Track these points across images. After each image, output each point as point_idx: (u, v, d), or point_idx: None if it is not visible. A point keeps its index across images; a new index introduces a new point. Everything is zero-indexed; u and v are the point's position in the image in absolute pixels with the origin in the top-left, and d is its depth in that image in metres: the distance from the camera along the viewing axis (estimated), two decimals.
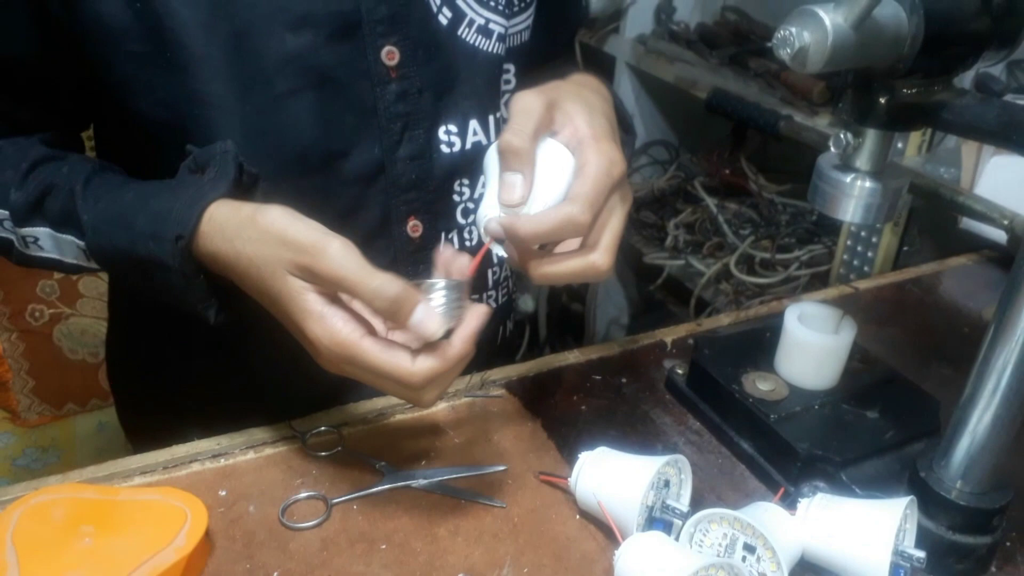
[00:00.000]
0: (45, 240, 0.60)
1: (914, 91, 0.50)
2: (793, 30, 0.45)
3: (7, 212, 0.59)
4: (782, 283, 1.41)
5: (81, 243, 0.59)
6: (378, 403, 0.65)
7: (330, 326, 0.48)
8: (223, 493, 0.57)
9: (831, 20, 0.44)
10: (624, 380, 0.70)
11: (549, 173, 0.52)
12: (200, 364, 0.72)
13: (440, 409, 0.66)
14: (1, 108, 0.61)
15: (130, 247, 0.54)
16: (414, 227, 0.66)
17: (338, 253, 0.47)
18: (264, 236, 0.50)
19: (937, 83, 0.50)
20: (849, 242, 1.20)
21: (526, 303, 1.99)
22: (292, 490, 0.57)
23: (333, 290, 0.49)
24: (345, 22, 0.58)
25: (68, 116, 0.66)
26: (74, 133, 0.68)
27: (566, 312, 2.10)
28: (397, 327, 0.50)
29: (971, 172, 0.92)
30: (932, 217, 1.05)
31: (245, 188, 0.55)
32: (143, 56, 0.56)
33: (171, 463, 0.59)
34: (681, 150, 1.83)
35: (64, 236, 0.59)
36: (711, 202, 1.60)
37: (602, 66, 1.72)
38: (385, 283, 0.47)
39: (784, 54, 0.45)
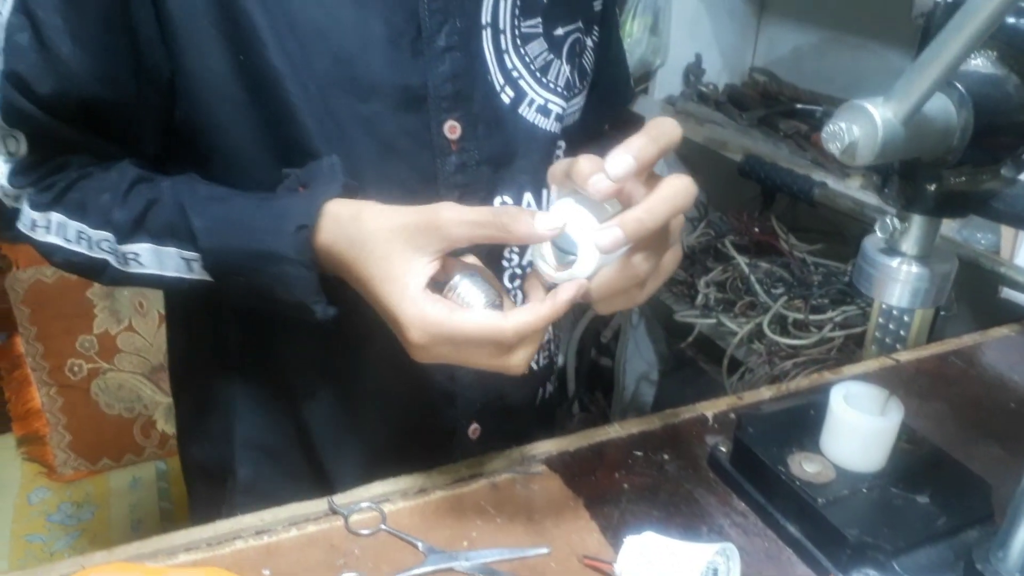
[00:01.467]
0: (146, 255, 0.62)
1: (962, 179, 0.50)
2: (843, 125, 0.45)
3: (110, 232, 0.61)
4: (816, 344, 1.40)
5: (185, 253, 0.61)
6: (419, 479, 0.65)
7: (422, 307, 0.51)
8: (267, 573, 0.57)
9: (881, 115, 0.44)
10: (666, 456, 0.69)
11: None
12: (257, 417, 0.74)
13: (481, 486, 0.65)
14: (90, 144, 0.63)
15: (246, 244, 0.58)
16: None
17: (451, 208, 0.52)
18: (384, 212, 0.54)
19: (985, 172, 0.50)
20: (884, 304, 1.19)
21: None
22: (334, 571, 0.57)
23: (457, 238, 0.51)
24: (412, 96, 0.61)
25: (153, 150, 0.68)
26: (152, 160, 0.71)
27: (595, 367, 2.09)
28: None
29: (1011, 240, 0.91)
30: (971, 284, 1.05)
31: (349, 195, 0.58)
32: (242, 103, 0.60)
33: (215, 540, 0.60)
34: (710, 208, 1.83)
35: (166, 249, 0.61)
36: (742, 261, 1.60)
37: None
38: (498, 209, 0.51)
39: (834, 148, 0.46)
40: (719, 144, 1.57)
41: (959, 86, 0.46)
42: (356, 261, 0.54)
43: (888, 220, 0.54)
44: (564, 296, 0.51)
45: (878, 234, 0.55)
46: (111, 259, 0.62)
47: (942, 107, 0.46)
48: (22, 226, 0.64)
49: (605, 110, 0.80)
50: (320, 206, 0.56)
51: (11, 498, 1.55)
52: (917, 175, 0.51)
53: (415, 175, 0.63)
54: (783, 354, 1.44)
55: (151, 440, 1.59)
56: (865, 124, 0.45)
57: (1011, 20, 0.47)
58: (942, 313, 1.16)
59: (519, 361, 0.53)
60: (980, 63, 0.48)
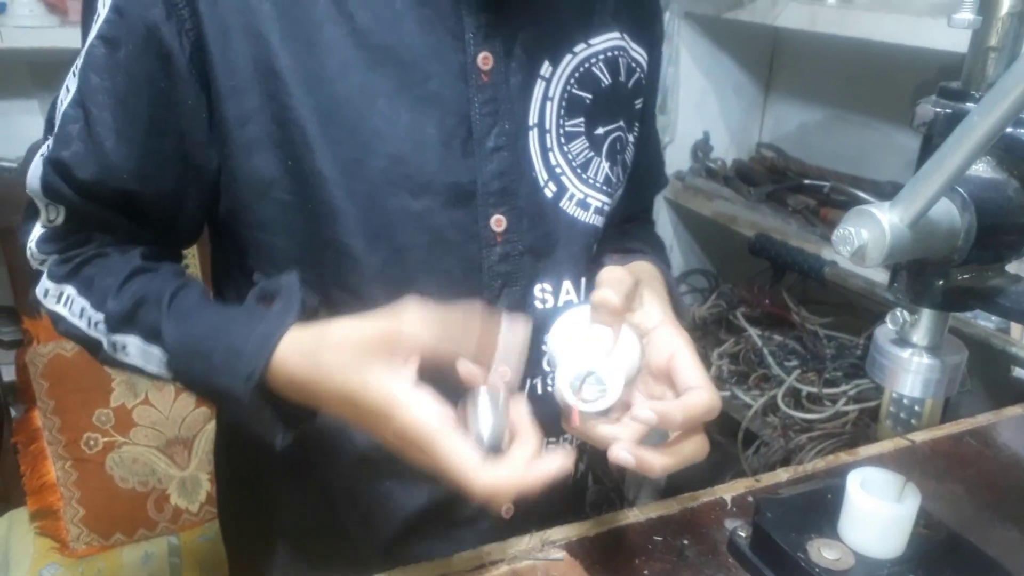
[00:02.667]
0: (133, 349, 0.64)
1: (968, 276, 0.52)
2: (852, 229, 0.47)
3: (103, 316, 0.64)
4: (831, 419, 1.40)
5: (165, 357, 0.62)
6: (441, 566, 0.66)
7: (405, 414, 0.51)
8: None
9: (888, 220, 0.47)
10: (686, 542, 0.69)
11: (623, 345, 0.55)
12: (293, 498, 0.76)
13: (502, 573, 0.66)
14: (122, 227, 0.67)
15: (205, 377, 0.59)
16: (503, 374, 0.69)
17: (414, 323, 0.52)
18: (341, 336, 0.54)
19: (990, 269, 0.52)
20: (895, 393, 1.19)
21: None
22: None
23: (418, 347, 0.52)
24: (461, 192, 0.64)
25: (183, 239, 0.72)
26: (180, 249, 0.74)
27: None
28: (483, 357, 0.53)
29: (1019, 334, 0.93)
30: (982, 362, 1.06)
31: (308, 316, 0.59)
32: (288, 203, 0.63)
33: None
34: (720, 279, 1.85)
35: (151, 348, 0.63)
36: (754, 333, 1.61)
37: None
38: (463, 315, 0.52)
39: (844, 251, 0.48)
40: (728, 219, 1.60)
41: (961, 191, 0.49)
42: (326, 382, 0.54)
43: (898, 312, 0.55)
44: (547, 468, 0.51)
45: (889, 326, 0.56)
46: (104, 342, 0.64)
47: (946, 211, 0.48)
48: (39, 291, 0.68)
49: (641, 194, 0.84)
50: (270, 352, 0.56)
51: (23, 573, 1.54)
52: (925, 272, 0.52)
53: (461, 265, 0.66)
54: (798, 428, 1.44)
55: (164, 514, 1.59)
56: (873, 228, 0.47)
57: (1009, 129, 0.49)
58: (962, 371, 1.16)
59: (493, 505, 0.53)
60: (981, 168, 0.50)
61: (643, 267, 0.73)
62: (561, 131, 0.68)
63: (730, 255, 1.82)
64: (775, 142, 1.79)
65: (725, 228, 1.61)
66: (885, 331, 0.58)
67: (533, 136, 0.67)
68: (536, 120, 0.67)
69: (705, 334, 1.74)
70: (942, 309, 0.54)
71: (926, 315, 0.54)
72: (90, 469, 1.54)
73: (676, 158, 1.78)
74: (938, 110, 0.51)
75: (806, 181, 1.59)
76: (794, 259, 1.09)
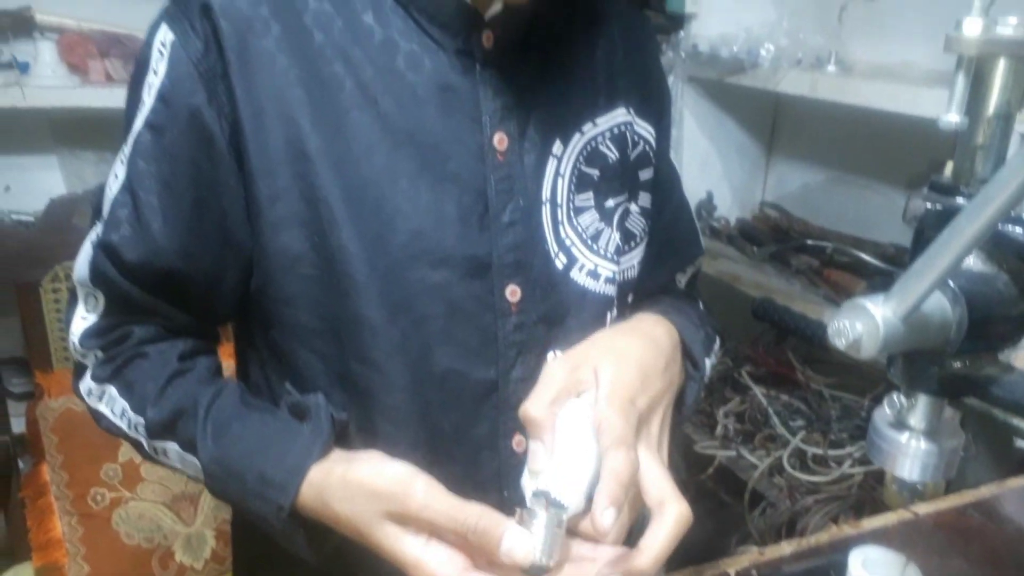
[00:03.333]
0: (173, 454, 0.67)
1: (962, 365, 0.53)
2: (847, 322, 0.49)
3: (143, 422, 0.66)
4: (836, 481, 1.40)
5: (201, 470, 0.65)
6: None
7: (426, 571, 0.53)
8: None
9: (881, 314, 0.48)
10: None
11: (572, 435, 0.58)
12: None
13: None
14: (162, 311, 0.69)
15: (240, 498, 0.62)
16: (519, 442, 0.71)
17: (423, 492, 0.54)
18: (355, 494, 0.56)
19: (984, 359, 0.53)
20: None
21: None
22: None
23: (426, 528, 0.54)
24: (478, 264, 0.67)
25: (220, 317, 0.74)
26: (216, 328, 0.76)
27: None
28: (494, 560, 0.54)
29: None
30: (985, 431, 1.06)
31: (338, 436, 0.62)
32: (313, 278, 0.65)
33: None
34: (726, 337, 1.86)
35: (189, 457, 0.66)
36: (759, 392, 1.62)
37: None
38: (471, 514, 0.53)
39: (840, 343, 0.49)
40: (732, 278, 1.62)
41: (952, 284, 0.50)
42: (346, 531, 0.58)
43: (895, 397, 0.57)
44: None
45: (886, 410, 0.58)
46: (144, 443, 0.67)
47: (938, 304, 0.50)
48: (82, 388, 0.71)
49: (668, 264, 0.84)
50: (299, 484, 0.59)
51: None
52: (920, 360, 0.54)
53: (478, 335, 0.68)
54: (804, 489, 1.44)
55: (169, 571, 1.58)
56: (867, 322, 0.48)
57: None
58: (961, 455, 1.16)
59: None
60: (971, 261, 0.52)
61: (616, 329, 0.71)
62: (571, 206, 0.71)
63: (735, 313, 1.83)
64: (778, 201, 1.82)
65: (729, 287, 1.62)
66: (883, 414, 0.59)
67: (546, 211, 0.70)
68: (548, 196, 0.70)
69: (711, 392, 1.74)
70: (937, 396, 0.55)
71: (922, 400, 0.56)
72: (96, 525, 1.55)
73: None
74: (929, 205, 0.53)
75: (809, 242, 1.61)
76: (797, 325, 1.11)
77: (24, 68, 1.77)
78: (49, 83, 1.72)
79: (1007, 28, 0.50)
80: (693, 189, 1.80)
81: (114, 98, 1.74)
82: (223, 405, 0.66)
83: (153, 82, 0.63)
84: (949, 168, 0.55)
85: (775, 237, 1.69)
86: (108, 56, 1.78)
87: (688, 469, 1.85)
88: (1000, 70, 0.50)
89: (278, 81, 0.62)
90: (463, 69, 0.66)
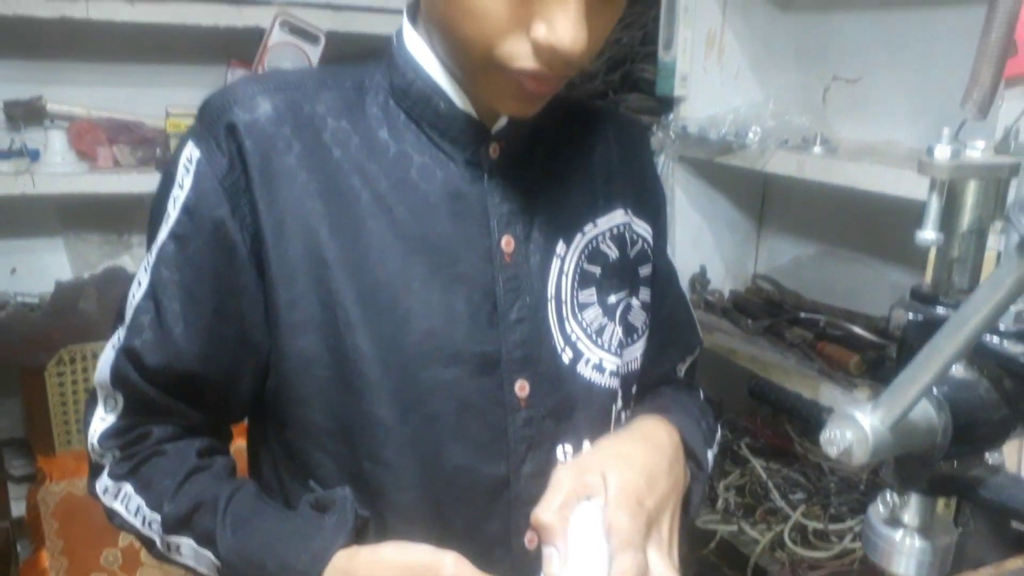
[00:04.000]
0: (187, 550, 0.68)
1: (951, 466, 0.56)
2: (838, 432, 0.51)
3: (159, 518, 0.67)
4: (837, 556, 1.40)
5: (217, 563, 0.66)
6: None
7: None
8: None
9: (870, 423, 0.51)
10: None
11: (584, 539, 0.60)
12: None
13: None
14: (179, 411, 0.71)
15: None
16: (531, 539, 0.73)
17: (453, 564, 0.57)
18: (385, 570, 0.58)
19: (971, 460, 0.56)
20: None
21: None
22: None
23: None
24: (487, 360, 0.69)
25: (235, 416, 0.76)
26: (229, 426, 0.78)
27: None
28: None
29: (1015, 467, 0.95)
30: (983, 510, 1.07)
31: (359, 531, 0.64)
32: (327, 379, 0.68)
33: None
34: (724, 408, 1.88)
35: (204, 551, 0.66)
36: (758, 464, 1.63)
37: None
38: None
39: (832, 452, 0.52)
40: (728, 351, 1.64)
41: (936, 391, 0.53)
42: None
43: (888, 495, 0.59)
44: None
45: (880, 508, 0.60)
46: (157, 540, 0.69)
47: (923, 411, 0.52)
48: (98, 487, 0.72)
49: (667, 356, 0.87)
50: (326, 563, 0.61)
51: None
52: (909, 462, 0.56)
53: (488, 431, 0.70)
54: (805, 565, 1.44)
55: None
56: (857, 431, 0.51)
57: None
58: (959, 529, 1.17)
59: None
60: (954, 369, 0.55)
61: (620, 437, 0.73)
62: (575, 302, 0.74)
63: (732, 386, 1.85)
64: (770, 274, 1.85)
65: (726, 360, 1.65)
66: (877, 511, 0.61)
67: (551, 307, 0.73)
68: (553, 293, 0.73)
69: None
70: (928, 495, 0.57)
71: (915, 498, 0.58)
72: None
73: None
74: (911, 316, 0.56)
75: (802, 315, 1.64)
76: (792, 405, 1.14)
77: (35, 155, 1.82)
78: (58, 170, 1.77)
79: (975, 152, 0.54)
80: (687, 263, 1.84)
81: (121, 183, 1.80)
82: (242, 499, 0.67)
83: (179, 195, 0.67)
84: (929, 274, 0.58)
85: (768, 310, 1.72)
86: (116, 142, 1.84)
87: (690, 544, 1.84)
88: (971, 190, 0.54)
89: (298, 194, 0.66)
90: (472, 178, 0.70)
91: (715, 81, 1.70)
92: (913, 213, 0.55)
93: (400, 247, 0.67)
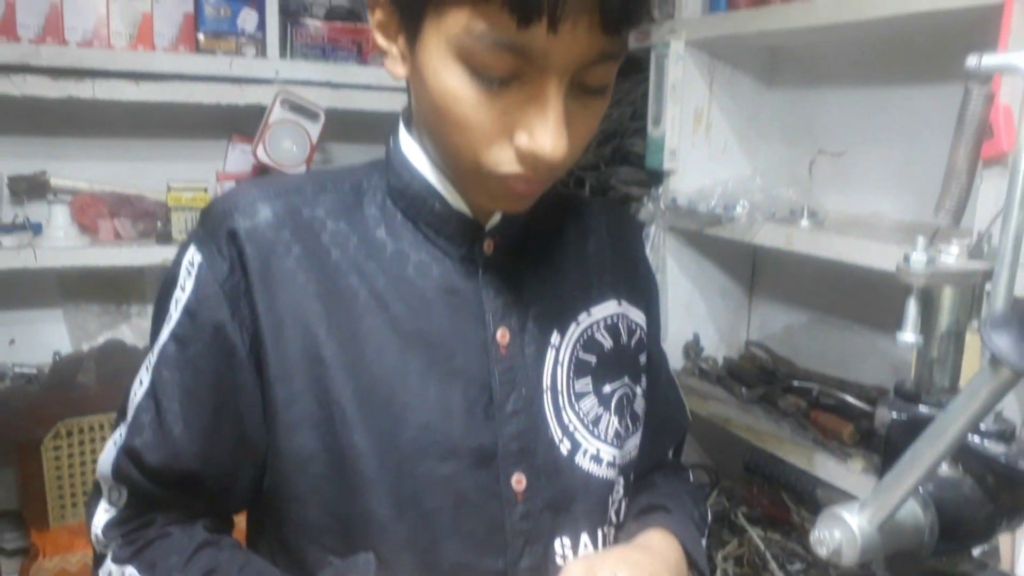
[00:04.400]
0: None
1: (940, 562, 0.57)
2: (827, 533, 0.53)
3: None
4: None
5: None
6: None
7: None
8: None
9: (858, 524, 0.52)
10: None
11: None
12: None
13: None
14: (181, 503, 0.72)
15: None
16: None
17: None
18: None
19: (960, 556, 0.57)
20: None
21: None
22: None
23: None
24: (484, 454, 0.70)
25: (234, 510, 0.77)
26: (230, 516, 0.78)
27: None
28: None
29: (1008, 553, 0.96)
30: None
31: None
32: (323, 477, 0.68)
33: None
34: (720, 475, 1.88)
35: None
36: (756, 534, 1.62)
37: None
38: None
39: (822, 552, 0.53)
40: (723, 420, 1.66)
41: (922, 490, 0.55)
42: None
43: None
44: None
45: None
46: None
47: (910, 511, 0.54)
48: (100, 573, 0.72)
49: (661, 442, 0.89)
50: None
51: None
52: (899, 559, 0.57)
53: (485, 526, 0.70)
54: None
55: None
56: (845, 531, 0.52)
57: None
58: None
59: None
60: (939, 468, 0.56)
61: (629, 546, 0.75)
62: (572, 391, 0.75)
63: (727, 454, 1.86)
64: (763, 340, 1.88)
65: (722, 429, 1.66)
66: None
67: (547, 398, 0.74)
68: (549, 384, 0.74)
69: (709, 534, 1.74)
70: None
71: None
72: None
73: (669, 357, 1.84)
74: (895, 415, 0.58)
75: (795, 383, 1.66)
76: (787, 479, 1.15)
77: (37, 229, 1.86)
78: (60, 244, 1.80)
79: (950, 257, 0.56)
80: (679, 331, 1.87)
81: (122, 256, 1.82)
82: (256, 564, 0.69)
83: (180, 297, 0.69)
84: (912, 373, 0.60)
85: (762, 378, 1.74)
86: (118, 216, 1.87)
87: None
88: (947, 294, 0.56)
89: (297, 296, 0.68)
90: (467, 273, 0.72)
91: (703, 155, 1.75)
92: (900, 286, 0.57)
93: (397, 342, 0.69)
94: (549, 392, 0.74)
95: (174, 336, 0.69)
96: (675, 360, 1.87)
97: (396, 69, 0.67)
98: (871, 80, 1.59)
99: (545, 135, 0.59)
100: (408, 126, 0.73)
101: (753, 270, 1.92)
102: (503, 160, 0.62)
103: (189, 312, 0.68)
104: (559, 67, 0.57)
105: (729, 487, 1.81)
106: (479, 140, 0.61)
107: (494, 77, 0.58)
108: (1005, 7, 1.03)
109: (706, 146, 1.75)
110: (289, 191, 0.71)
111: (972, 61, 0.52)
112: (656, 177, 1.77)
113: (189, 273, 0.69)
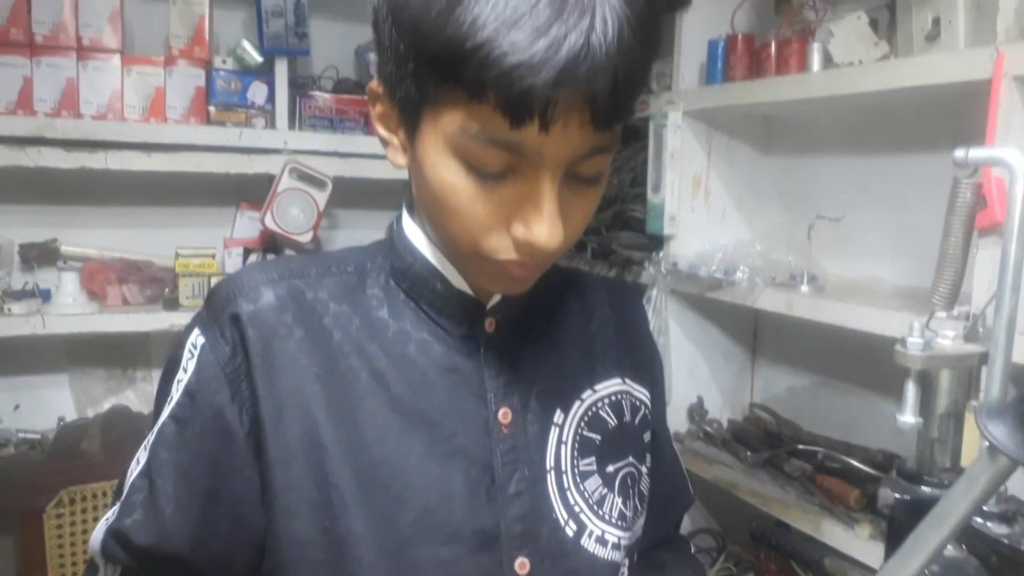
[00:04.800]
0: None
1: None
2: None
3: None
4: None
5: None
6: None
7: None
8: None
9: None
10: None
11: None
12: None
13: None
14: None
15: None
16: None
17: None
18: None
19: None
20: None
21: None
22: None
23: None
24: (486, 537, 0.69)
25: None
26: None
27: None
28: None
29: None
30: None
31: None
32: (320, 562, 0.67)
33: None
34: (727, 540, 1.86)
35: None
36: None
37: None
38: None
39: None
40: (729, 485, 1.65)
41: (927, 572, 0.55)
42: None
43: None
44: None
45: None
46: None
47: None
48: None
49: (666, 518, 0.89)
50: None
51: None
52: None
53: None
54: None
55: None
56: None
57: None
58: None
59: None
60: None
61: None
62: (576, 471, 0.75)
63: (734, 519, 1.84)
64: (767, 403, 1.88)
65: (728, 494, 1.65)
66: None
67: (551, 479, 0.73)
68: (553, 464, 0.74)
69: None
70: None
71: None
72: None
73: (673, 420, 1.86)
74: (897, 496, 0.59)
75: (800, 447, 1.66)
76: (794, 549, 1.14)
77: (46, 296, 1.88)
78: (68, 311, 1.82)
79: (946, 340, 0.58)
80: (683, 393, 1.87)
81: (129, 322, 1.84)
82: None
83: (182, 379, 0.69)
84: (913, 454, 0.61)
85: (767, 441, 1.74)
86: (126, 282, 1.90)
87: None
88: (944, 377, 0.58)
89: (298, 379, 0.68)
90: (468, 352, 0.73)
91: (702, 220, 1.78)
92: (900, 366, 0.58)
93: (398, 423, 0.69)
94: (553, 472, 0.74)
95: (173, 417, 0.69)
96: (679, 423, 1.87)
97: (397, 159, 0.69)
98: (864, 148, 1.63)
99: (540, 226, 0.60)
100: (411, 210, 0.75)
101: (755, 332, 1.93)
102: (500, 248, 0.63)
103: (189, 393, 0.68)
104: (552, 162, 0.59)
105: (736, 553, 1.80)
106: (476, 230, 0.63)
107: (489, 172, 0.60)
108: (991, 102, 1.07)
109: (705, 211, 1.78)
110: (293, 274, 0.72)
111: (959, 154, 0.54)
112: (657, 241, 1.80)
113: (192, 355, 0.69)
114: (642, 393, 0.83)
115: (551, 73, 0.53)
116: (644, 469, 0.81)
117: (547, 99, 0.54)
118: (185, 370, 0.69)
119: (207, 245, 1.97)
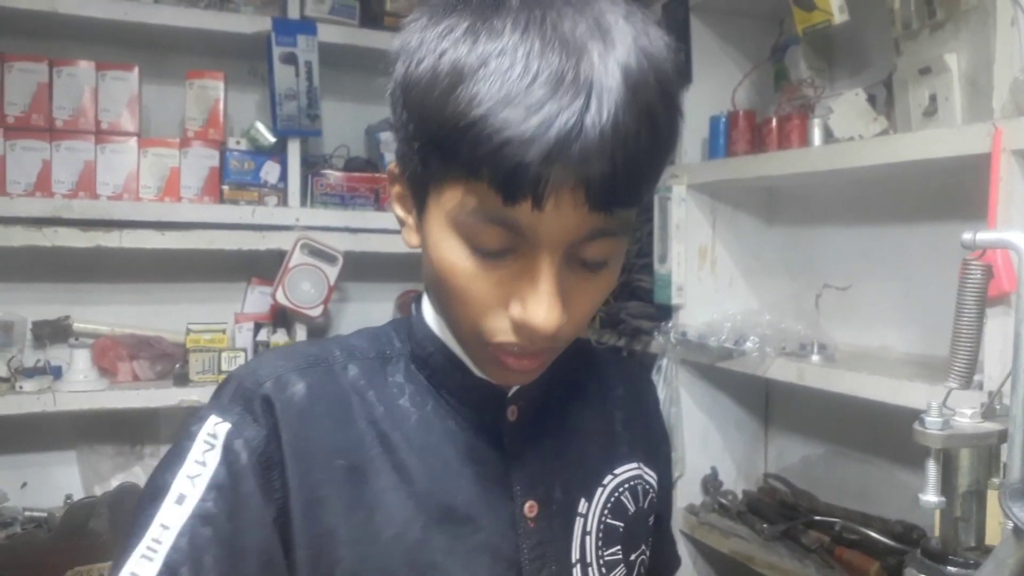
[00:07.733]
0: None
1: None
2: None
3: None
4: None
5: None
6: None
7: None
8: None
9: None
10: None
11: None
12: None
13: None
14: None
15: None
16: None
17: None
18: None
19: None
20: None
21: None
22: None
23: None
24: None
25: None
26: None
27: None
28: None
29: None
30: None
31: None
32: None
33: None
34: None
35: None
36: None
37: None
38: None
39: None
40: (746, 558, 1.62)
41: None
42: None
43: None
44: None
45: None
46: None
47: None
48: None
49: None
50: None
51: None
52: None
53: None
54: None
55: None
56: None
57: None
58: None
59: None
60: None
61: None
62: (602, 562, 0.73)
63: None
64: (781, 473, 1.86)
65: (745, 567, 1.62)
66: None
67: (577, 572, 0.71)
68: (578, 556, 0.72)
69: None
70: None
71: None
72: None
73: (687, 492, 1.84)
74: None
75: (816, 518, 1.63)
76: None
77: (57, 373, 1.89)
78: (80, 388, 1.83)
79: (964, 419, 0.58)
80: (697, 465, 1.85)
81: (139, 399, 1.85)
82: None
83: (200, 473, 0.64)
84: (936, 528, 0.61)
85: (783, 512, 1.71)
86: (137, 358, 1.91)
87: None
88: (964, 455, 0.58)
89: (326, 471, 0.66)
90: (491, 442, 0.71)
91: (710, 290, 1.79)
92: (915, 419, 0.58)
93: (421, 519, 0.67)
94: (579, 566, 0.72)
95: (200, 517, 0.63)
96: (694, 495, 1.85)
97: (411, 239, 0.69)
98: (868, 218, 1.65)
99: (538, 306, 0.60)
100: (429, 293, 0.75)
101: (767, 402, 1.93)
102: (499, 330, 0.62)
103: (217, 487, 0.64)
104: (549, 241, 0.59)
105: None
106: (476, 309, 0.62)
107: (489, 250, 0.60)
108: (992, 176, 1.09)
109: (712, 281, 1.80)
110: (319, 362, 0.71)
111: (967, 237, 0.56)
112: (665, 311, 1.81)
113: (211, 446, 0.65)
114: (651, 477, 0.82)
115: (542, 150, 0.53)
116: (646, 555, 0.80)
117: (538, 176, 0.54)
118: (203, 463, 0.64)
119: (218, 320, 1.98)
